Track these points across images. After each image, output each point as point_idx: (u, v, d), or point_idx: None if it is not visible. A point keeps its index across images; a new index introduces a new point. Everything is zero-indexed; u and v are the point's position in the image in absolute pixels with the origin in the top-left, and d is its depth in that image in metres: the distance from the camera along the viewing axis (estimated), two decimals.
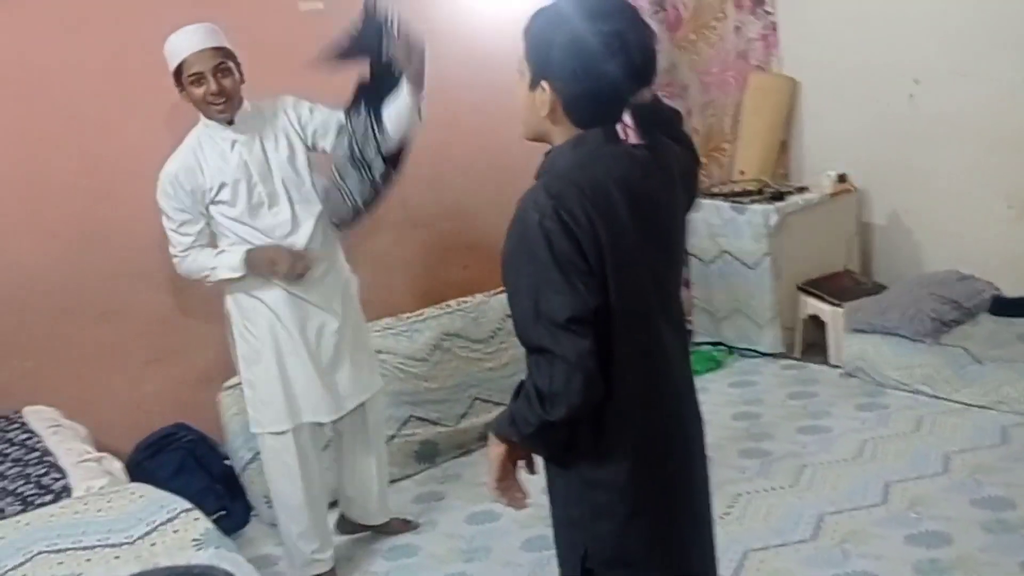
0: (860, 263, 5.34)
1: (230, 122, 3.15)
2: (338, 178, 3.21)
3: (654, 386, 1.91)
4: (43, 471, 3.15)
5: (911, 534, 3.31)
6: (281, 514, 3.41)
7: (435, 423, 4.26)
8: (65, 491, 3.04)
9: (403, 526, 3.75)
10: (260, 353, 3.27)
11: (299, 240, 3.20)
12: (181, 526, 2.72)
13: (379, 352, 3.91)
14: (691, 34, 5.48)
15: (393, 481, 3.85)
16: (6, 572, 2.49)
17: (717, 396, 4.70)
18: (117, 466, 3.30)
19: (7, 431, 3.46)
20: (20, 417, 3.56)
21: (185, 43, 3.06)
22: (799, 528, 3.44)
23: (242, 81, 3.16)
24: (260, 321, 3.25)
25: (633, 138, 2.07)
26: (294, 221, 3.21)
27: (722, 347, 5.28)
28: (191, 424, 4.03)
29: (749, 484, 3.80)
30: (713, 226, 5.16)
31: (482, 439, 3.92)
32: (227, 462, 3.99)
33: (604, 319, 1.76)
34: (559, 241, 1.71)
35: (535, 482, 1.99)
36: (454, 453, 4.31)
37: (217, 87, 3.06)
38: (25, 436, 3.42)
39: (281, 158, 3.21)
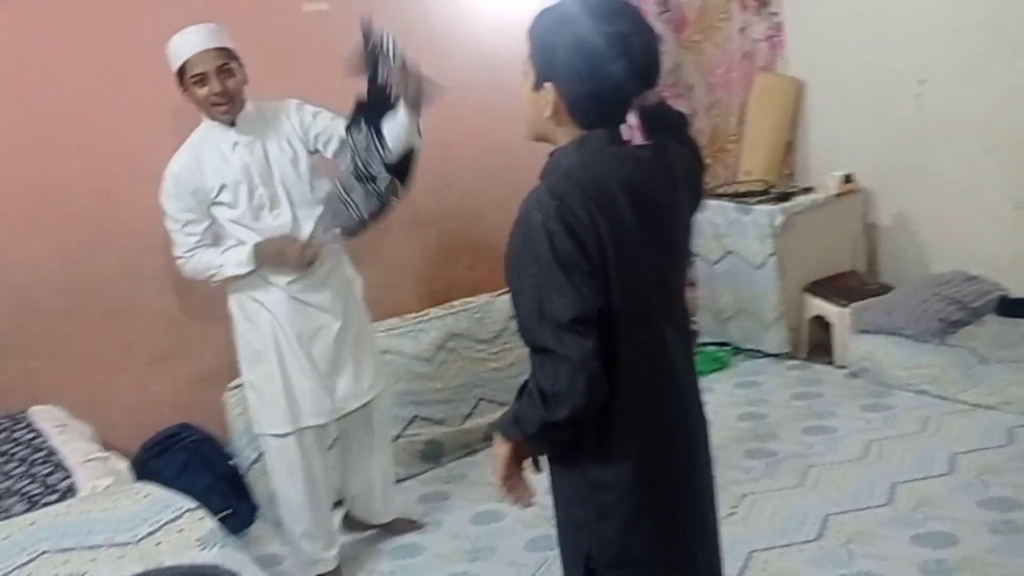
0: (866, 264, 5.33)
1: (232, 123, 3.15)
2: (343, 193, 3.20)
3: (658, 386, 1.91)
4: (49, 470, 3.16)
5: (917, 534, 3.30)
6: (285, 514, 3.42)
7: (440, 423, 4.26)
8: (71, 490, 3.04)
9: (408, 526, 3.76)
10: (262, 355, 3.27)
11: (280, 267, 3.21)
12: (186, 525, 2.71)
13: (384, 352, 3.91)
14: (696, 35, 5.48)
15: (398, 481, 3.85)
16: (11, 571, 2.50)
17: (722, 396, 4.69)
18: (123, 465, 3.30)
19: (13, 430, 3.46)
20: (26, 417, 3.56)
21: (188, 43, 3.06)
22: (804, 528, 3.44)
23: (245, 82, 3.16)
24: (262, 323, 3.26)
25: (638, 139, 2.07)
26: (295, 224, 3.22)
27: (727, 347, 5.27)
28: (196, 424, 4.04)
29: (754, 484, 3.80)
30: (718, 226, 5.16)
31: (487, 439, 3.92)
32: (232, 462, 4.00)
33: (607, 320, 1.76)
34: (562, 242, 1.71)
35: (540, 482, 1.99)
36: (459, 453, 4.31)
37: (220, 88, 3.07)
38: (31, 435, 3.42)
39: (283, 161, 3.21)
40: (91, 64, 3.79)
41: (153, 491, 2.89)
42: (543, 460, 1.99)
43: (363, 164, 3.13)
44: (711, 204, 5.06)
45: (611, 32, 1.75)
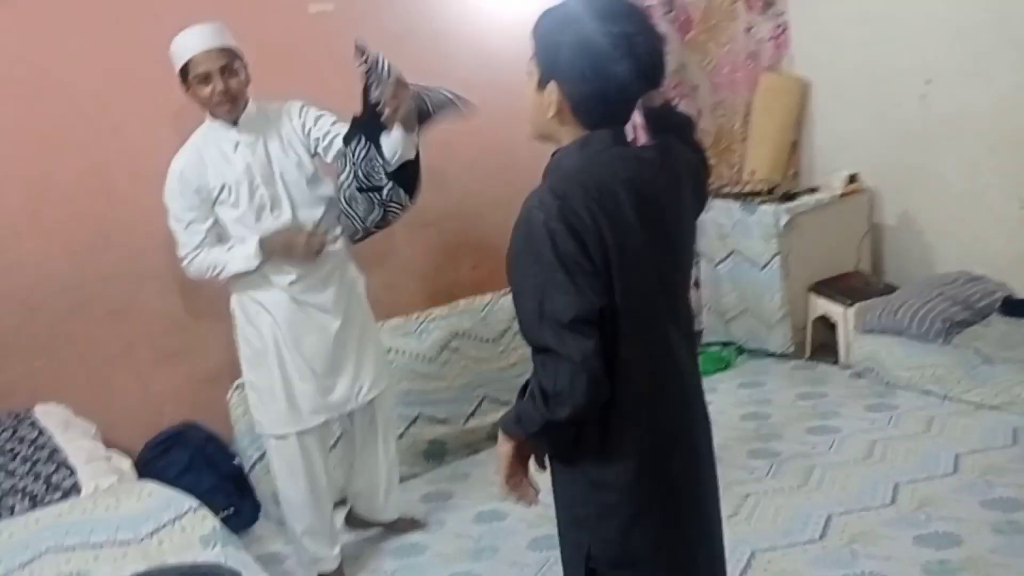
0: (871, 263, 5.33)
1: (235, 123, 3.16)
2: (345, 204, 3.19)
3: (660, 386, 1.90)
4: (52, 469, 3.16)
5: (920, 535, 3.30)
6: (287, 513, 3.43)
7: (443, 422, 4.27)
8: (74, 489, 3.04)
9: (410, 525, 3.76)
10: (262, 356, 3.28)
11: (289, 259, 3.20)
12: (189, 524, 2.71)
13: (388, 351, 3.91)
14: (701, 35, 5.47)
15: (401, 480, 3.85)
16: (14, 570, 2.50)
17: (726, 396, 4.69)
18: (126, 464, 3.31)
19: (17, 429, 3.46)
20: (31, 415, 3.57)
21: (192, 42, 3.06)
22: (807, 528, 3.44)
23: (248, 82, 3.16)
24: (262, 325, 3.26)
25: (643, 140, 2.07)
26: (296, 225, 3.22)
27: (731, 347, 5.27)
28: (200, 423, 4.04)
29: (757, 484, 3.80)
30: (723, 226, 5.16)
31: (490, 438, 3.92)
32: (236, 460, 4.01)
33: (609, 320, 1.76)
34: (564, 241, 1.71)
35: (543, 481, 1.99)
36: (462, 452, 4.31)
37: (223, 87, 3.07)
38: (35, 434, 3.42)
39: (284, 162, 3.21)
40: (93, 64, 3.79)
41: (156, 490, 2.90)
42: (546, 458, 1.99)
43: (364, 175, 3.12)
44: (716, 204, 5.07)
45: (615, 32, 1.75)
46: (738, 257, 5.14)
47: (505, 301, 4.39)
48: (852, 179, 5.18)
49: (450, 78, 4.59)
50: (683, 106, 5.25)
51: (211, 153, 3.14)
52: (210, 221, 3.18)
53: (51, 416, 3.54)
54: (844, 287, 5.03)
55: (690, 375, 2.00)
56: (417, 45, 4.57)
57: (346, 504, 3.81)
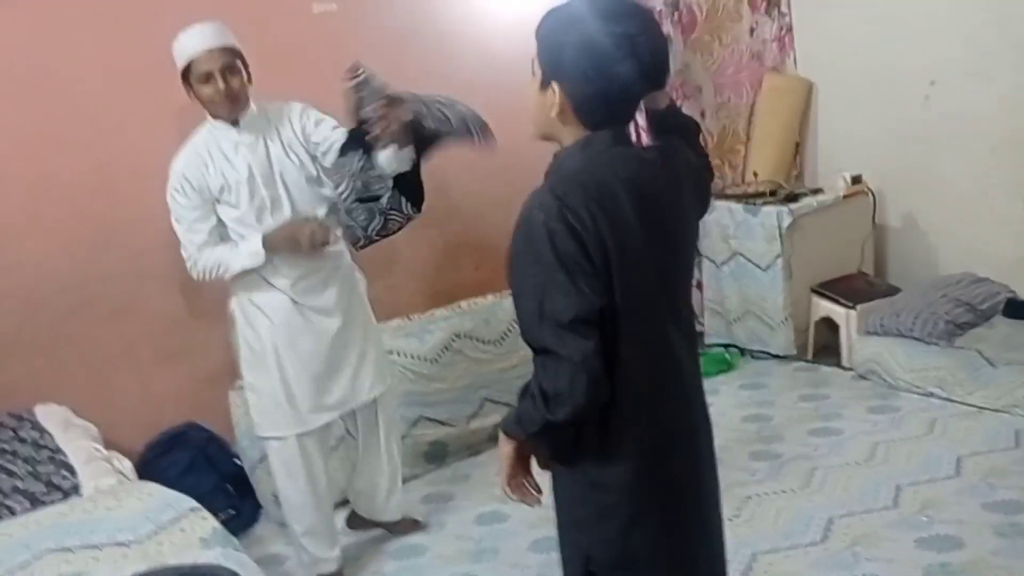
0: (874, 265, 5.32)
1: (236, 123, 3.15)
2: (346, 215, 3.18)
3: (660, 387, 1.90)
4: (53, 469, 3.17)
5: (922, 537, 3.28)
6: (288, 514, 3.43)
7: (445, 423, 4.26)
8: (74, 490, 3.05)
9: (412, 526, 3.76)
10: (261, 359, 3.27)
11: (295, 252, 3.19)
12: (188, 525, 2.72)
13: (389, 353, 3.90)
14: (705, 35, 5.47)
15: (403, 481, 3.85)
16: (14, 570, 2.50)
17: (728, 398, 4.68)
18: (127, 465, 3.31)
19: (18, 429, 3.47)
20: (32, 415, 3.57)
21: (193, 42, 3.06)
22: (809, 531, 3.42)
23: (250, 82, 3.16)
24: (261, 328, 3.26)
25: (646, 140, 2.07)
26: (298, 218, 3.20)
27: (734, 349, 5.27)
28: (202, 423, 4.04)
29: (759, 486, 3.79)
30: (726, 227, 5.15)
31: (492, 440, 3.91)
32: (237, 461, 4.01)
33: (610, 320, 1.76)
34: (564, 242, 1.71)
35: (544, 482, 1.99)
36: (463, 454, 4.31)
37: (225, 86, 3.06)
38: (36, 434, 3.43)
39: (285, 163, 3.20)
40: (95, 63, 3.80)
41: (156, 491, 2.90)
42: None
43: (362, 185, 3.10)
44: (719, 205, 5.06)
45: (618, 33, 1.75)
46: (741, 258, 5.13)
47: (507, 302, 4.38)
48: (855, 180, 5.17)
49: (453, 79, 4.61)
50: (686, 107, 5.24)
51: (212, 153, 3.14)
52: (213, 220, 3.17)
53: (52, 416, 3.54)
54: (847, 289, 5.02)
55: (691, 376, 2.00)
56: (421, 46, 4.59)
57: (347, 505, 3.81)
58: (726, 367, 5.09)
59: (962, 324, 4.50)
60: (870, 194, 5.24)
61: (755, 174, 5.40)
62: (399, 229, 3.28)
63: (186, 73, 3.09)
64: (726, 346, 5.29)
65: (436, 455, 4.25)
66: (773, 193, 5.12)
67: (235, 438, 4.01)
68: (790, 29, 5.49)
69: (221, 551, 2.61)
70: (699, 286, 5.31)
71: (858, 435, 4.14)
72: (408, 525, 3.75)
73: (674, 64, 5.03)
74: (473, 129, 3.14)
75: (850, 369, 4.84)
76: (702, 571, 2.05)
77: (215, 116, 3.15)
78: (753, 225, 5.04)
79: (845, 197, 5.16)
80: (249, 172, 3.14)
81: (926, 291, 4.71)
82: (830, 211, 5.12)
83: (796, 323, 5.04)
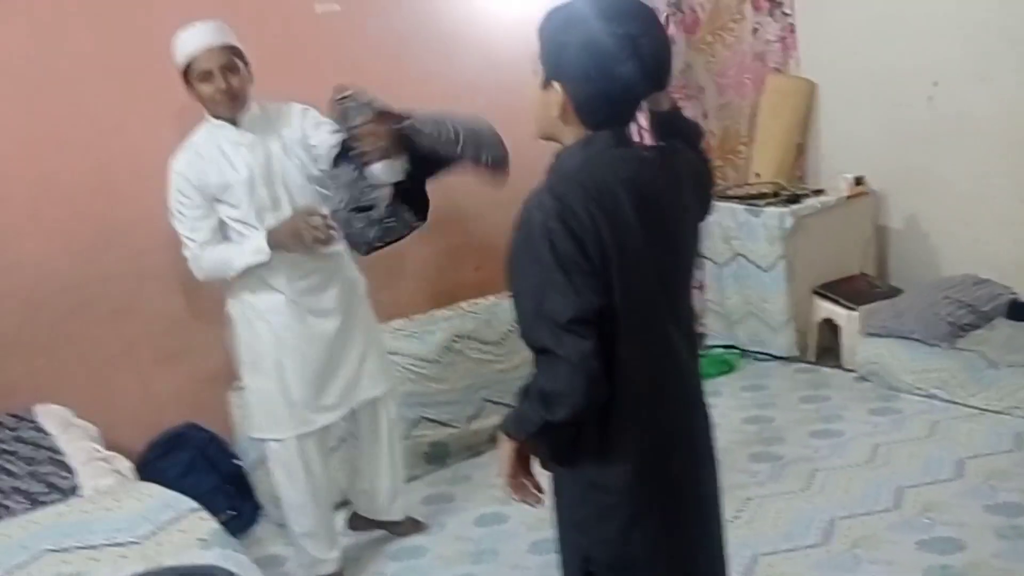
0: (876, 266, 5.31)
1: (236, 122, 3.14)
2: (344, 225, 3.15)
3: (660, 388, 1.90)
4: (52, 470, 3.16)
5: (923, 540, 3.28)
6: (287, 515, 3.42)
7: (445, 424, 4.25)
8: (73, 490, 3.04)
9: (413, 527, 3.75)
10: (260, 361, 3.27)
11: (298, 248, 3.16)
12: (187, 526, 2.70)
13: (390, 353, 3.90)
14: (708, 36, 5.46)
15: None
16: (12, 570, 2.49)
17: (729, 399, 4.67)
18: (126, 465, 3.30)
19: (18, 429, 3.46)
20: (31, 416, 3.56)
21: (194, 40, 3.05)
22: (810, 533, 3.42)
23: (250, 81, 3.15)
24: (259, 330, 3.25)
25: (648, 141, 2.07)
26: (300, 212, 3.18)
27: (735, 350, 5.26)
28: (202, 423, 4.04)
29: (760, 488, 3.78)
30: (728, 228, 5.14)
31: (492, 441, 3.91)
32: (237, 462, 4.00)
33: (609, 320, 1.75)
34: (562, 242, 1.70)
35: (545, 483, 1.99)
36: (464, 455, 4.30)
37: (225, 85, 3.05)
38: (36, 435, 3.42)
39: (286, 163, 3.19)
40: (95, 63, 3.79)
41: (155, 491, 2.89)
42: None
43: (357, 195, 3.07)
44: (720, 206, 5.03)
45: (620, 33, 1.74)
46: (742, 259, 5.12)
47: (508, 303, 4.36)
48: (858, 181, 5.16)
49: (456, 79, 4.62)
50: (689, 107, 5.24)
51: (211, 152, 3.13)
52: (214, 219, 3.16)
53: (51, 417, 3.53)
54: (849, 290, 5.01)
55: (691, 376, 2.00)
56: (423, 46, 4.58)
57: (348, 506, 3.80)
58: (727, 368, 5.08)
59: (964, 326, 4.49)
60: (872, 195, 5.23)
61: (757, 175, 5.40)
62: (400, 238, 3.21)
63: (186, 72, 3.08)
64: (727, 347, 5.28)
65: (437, 456, 4.24)
66: (775, 194, 5.12)
67: (235, 439, 4.01)
68: (793, 30, 5.47)
69: (220, 552, 2.59)
70: (700, 287, 5.30)
71: (859, 437, 4.13)
72: (410, 526, 3.74)
73: (676, 64, 5.02)
74: (485, 157, 3.04)
75: (851, 371, 4.83)
76: (702, 572, 2.04)
77: (215, 115, 3.14)
78: (755, 226, 5.03)
79: (847, 198, 5.15)
80: (249, 172, 3.13)
81: (928, 292, 4.70)
82: (832, 212, 5.11)
83: (798, 324, 5.04)
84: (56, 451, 3.27)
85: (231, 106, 3.10)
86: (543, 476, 1.98)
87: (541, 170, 1.87)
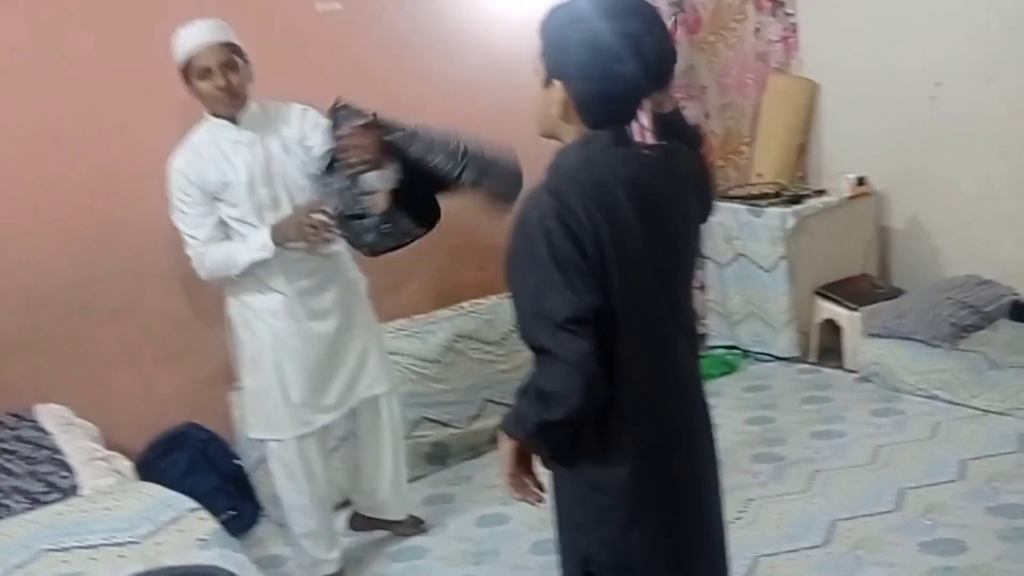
0: (878, 267, 5.30)
1: (235, 121, 3.13)
2: (340, 230, 3.14)
3: (660, 388, 1.89)
4: (52, 469, 3.15)
5: (925, 541, 3.27)
6: (287, 516, 3.41)
7: (446, 425, 4.25)
8: (73, 489, 3.03)
9: (415, 526, 3.74)
10: (260, 362, 3.26)
11: (299, 244, 3.14)
12: (187, 526, 2.70)
13: (391, 353, 3.89)
14: (710, 35, 5.45)
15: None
16: (11, 570, 2.49)
17: (731, 400, 4.66)
18: (126, 465, 3.29)
19: (18, 429, 3.46)
20: (31, 415, 3.56)
21: (193, 37, 3.04)
22: (811, 534, 3.41)
23: (250, 79, 3.13)
24: (258, 331, 3.24)
25: (649, 140, 2.06)
26: (303, 208, 3.16)
27: (736, 350, 5.25)
28: (202, 423, 4.03)
29: (761, 489, 3.77)
30: (729, 229, 5.14)
31: (493, 441, 3.89)
32: (237, 462, 4.00)
33: (607, 320, 1.74)
34: (560, 241, 1.70)
35: (547, 482, 1.98)
36: (465, 455, 4.29)
37: (224, 82, 3.04)
38: (36, 434, 3.42)
39: (285, 163, 3.18)
40: (96, 63, 3.78)
41: (155, 491, 2.89)
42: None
43: (350, 202, 3.05)
44: (722, 206, 5.02)
45: (622, 32, 1.74)
46: (744, 260, 5.12)
47: (510, 303, 4.35)
48: (860, 182, 5.15)
49: (457, 78, 4.61)
50: (691, 107, 5.24)
51: (211, 151, 3.12)
52: (216, 216, 3.14)
53: (52, 416, 3.53)
54: (851, 291, 5.01)
55: (692, 377, 1.99)
56: (425, 44, 4.58)
57: (349, 506, 3.80)
58: (729, 369, 5.07)
59: (966, 327, 4.48)
60: (874, 196, 5.22)
61: (759, 175, 5.39)
62: (401, 245, 3.18)
63: (186, 69, 3.07)
64: (729, 348, 5.27)
65: (438, 456, 4.23)
66: (777, 194, 5.11)
67: (236, 439, 4.00)
68: (795, 30, 5.46)
69: (220, 552, 2.59)
70: (702, 287, 5.29)
71: (861, 438, 4.12)
72: (412, 525, 3.73)
73: (678, 64, 5.02)
74: (487, 182, 2.96)
75: (853, 371, 4.82)
76: (703, 573, 2.03)
77: (215, 114, 3.13)
78: (757, 226, 5.02)
79: (849, 199, 5.14)
80: (248, 171, 3.12)
81: (930, 293, 4.70)
82: (834, 213, 5.11)
83: (799, 325, 5.03)
84: (56, 451, 3.27)
85: (230, 104, 3.09)
86: (544, 475, 1.98)
87: (543, 170, 1.87)
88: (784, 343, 5.06)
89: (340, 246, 3.29)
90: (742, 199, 5.15)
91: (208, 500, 3.03)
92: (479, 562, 3.51)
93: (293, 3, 4.27)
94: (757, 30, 5.50)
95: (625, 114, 1.86)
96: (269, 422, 3.30)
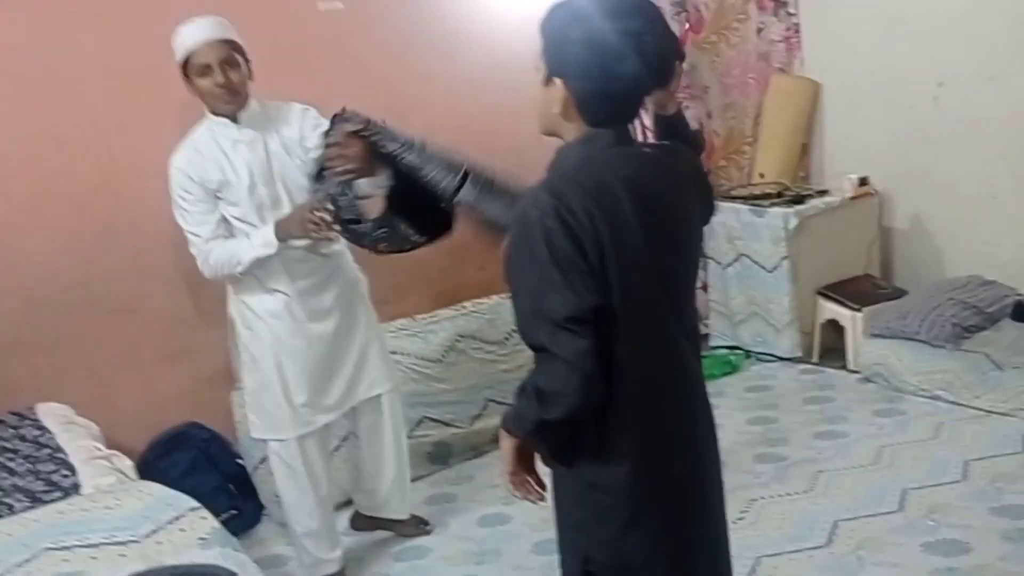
0: (880, 267, 5.29)
1: (235, 119, 3.12)
2: (340, 232, 3.14)
3: (660, 388, 1.88)
4: (53, 468, 3.15)
5: (928, 542, 3.26)
6: (289, 515, 3.41)
7: (448, 424, 4.24)
8: (74, 488, 3.03)
9: (418, 527, 3.73)
10: (260, 362, 3.26)
11: (301, 243, 3.14)
12: (188, 525, 2.69)
13: (393, 353, 3.89)
14: (712, 35, 5.44)
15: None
16: (12, 569, 2.48)
17: (733, 400, 4.65)
18: (127, 464, 3.29)
19: (19, 428, 3.46)
20: (33, 414, 3.56)
21: (192, 34, 3.03)
22: (813, 534, 3.40)
23: (250, 77, 3.13)
24: (259, 331, 3.24)
25: (651, 140, 2.06)
26: (306, 205, 3.16)
27: (739, 351, 5.24)
28: (204, 423, 4.03)
29: (764, 489, 3.76)
30: (732, 229, 5.13)
31: (495, 441, 3.88)
32: (239, 461, 3.99)
33: (607, 320, 1.74)
34: (559, 240, 1.69)
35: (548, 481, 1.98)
36: (467, 455, 4.29)
37: (223, 79, 3.03)
38: (37, 433, 3.42)
39: (285, 162, 3.17)
40: (96, 62, 3.78)
41: (155, 490, 2.88)
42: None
43: (345, 207, 3.02)
44: (724, 206, 5.04)
45: (623, 30, 1.73)
46: (746, 260, 5.11)
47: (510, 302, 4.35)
48: (862, 182, 5.14)
49: (459, 77, 4.61)
50: (693, 107, 5.24)
51: (211, 150, 3.11)
52: (218, 214, 3.14)
53: (53, 415, 3.53)
54: (853, 291, 5.00)
55: (693, 377, 1.98)
56: (426, 43, 4.57)
57: (351, 506, 3.79)
58: (731, 369, 5.06)
59: (969, 327, 4.47)
60: (877, 196, 5.22)
61: (761, 175, 5.38)
62: (402, 250, 3.11)
63: (185, 66, 3.06)
64: (731, 348, 5.26)
65: (440, 456, 4.23)
66: (779, 195, 5.11)
67: (237, 438, 4.00)
68: (798, 30, 5.45)
69: (220, 551, 2.58)
70: (704, 287, 5.29)
71: (864, 438, 4.11)
72: (415, 525, 3.73)
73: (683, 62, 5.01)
74: (491, 211, 2.73)
75: (856, 372, 4.82)
76: (704, 574, 2.02)
77: (214, 112, 3.12)
78: (759, 226, 5.02)
79: (852, 199, 5.13)
80: (248, 169, 3.11)
81: (933, 294, 4.69)
82: (836, 213, 5.10)
83: (801, 325, 5.02)
84: (57, 449, 3.27)
85: (230, 101, 3.08)
86: (546, 474, 1.97)
87: (544, 168, 1.86)
88: (786, 343, 5.05)
89: (341, 245, 3.29)
90: (744, 199, 5.15)
91: (209, 499, 3.02)
92: (481, 562, 3.51)
93: (295, 2, 4.27)
94: (759, 30, 5.50)
95: (626, 113, 1.85)
96: (270, 422, 3.30)
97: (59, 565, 2.49)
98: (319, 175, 3.07)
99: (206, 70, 3.03)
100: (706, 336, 5.26)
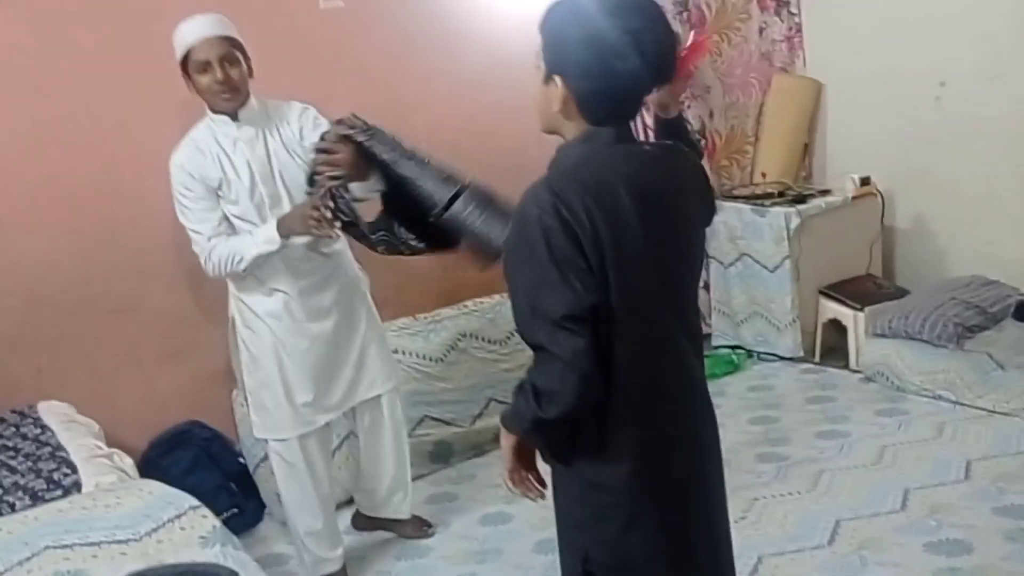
0: (882, 267, 5.29)
1: (235, 117, 3.12)
2: (341, 233, 3.13)
3: (661, 388, 1.88)
4: (54, 466, 3.15)
5: (930, 542, 3.25)
6: (290, 515, 3.41)
7: (450, 423, 4.24)
8: (75, 486, 3.03)
9: (420, 527, 3.72)
10: (261, 362, 3.25)
11: (302, 240, 3.13)
12: (188, 523, 2.69)
13: (395, 352, 3.88)
14: (714, 35, 5.43)
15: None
16: (13, 567, 2.48)
17: (734, 400, 4.65)
18: (128, 462, 3.29)
19: (20, 426, 3.46)
20: (34, 412, 3.56)
21: (192, 31, 3.02)
22: (815, 534, 3.39)
23: (250, 75, 3.12)
24: (260, 331, 3.23)
25: (651, 138, 2.06)
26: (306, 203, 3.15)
27: (740, 350, 5.23)
28: (205, 421, 4.03)
29: (765, 489, 3.75)
30: (733, 228, 5.13)
31: (496, 440, 3.88)
32: (240, 460, 3.99)
33: (606, 319, 1.73)
34: (558, 238, 1.69)
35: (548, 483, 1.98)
36: (468, 454, 4.28)
37: (223, 76, 3.02)
38: (38, 431, 3.42)
39: (285, 160, 3.16)
40: (97, 61, 3.78)
41: (156, 488, 2.88)
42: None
43: (343, 208, 3.02)
44: (726, 206, 5.04)
45: (623, 28, 1.73)
46: (748, 259, 5.11)
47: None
48: (864, 182, 5.14)
49: (460, 75, 4.61)
50: (695, 107, 5.25)
51: (210, 146, 3.10)
52: (219, 211, 3.13)
53: (54, 413, 3.53)
54: (855, 290, 5.00)
55: (695, 377, 1.98)
56: (427, 42, 4.57)
57: (352, 505, 3.79)
58: (732, 369, 5.05)
59: (971, 327, 4.46)
60: (879, 196, 5.21)
61: (763, 175, 5.38)
62: (402, 253, 3.14)
63: (185, 63, 3.05)
64: (733, 347, 5.26)
65: (441, 455, 4.22)
66: (781, 194, 5.10)
67: (238, 437, 4.00)
68: (799, 29, 5.46)
69: (221, 550, 2.59)
70: (706, 287, 5.29)
71: (866, 438, 4.10)
72: (416, 526, 3.72)
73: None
74: (483, 232, 2.83)
75: (858, 371, 4.81)
76: (704, 574, 2.01)
77: (214, 109, 3.11)
78: (761, 226, 5.01)
79: (854, 198, 5.12)
80: (248, 169, 3.10)
81: (935, 293, 4.68)
82: (838, 212, 5.09)
83: (803, 325, 5.02)
84: (58, 448, 3.27)
85: (230, 98, 3.07)
86: (547, 472, 1.97)
87: (545, 167, 1.86)
88: (788, 343, 5.05)
89: (342, 244, 3.29)
90: (746, 199, 5.14)
91: (210, 498, 3.03)
92: (482, 561, 3.50)
93: (296, 1, 4.27)
94: (761, 30, 5.49)
95: (626, 111, 1.85)
96: (271, 421, 3.29)
97: (60, 563, 2.49)
98: (311, 180, 3.08)
99: (206, 67, 3.02)
100: (708, 336, 5.26)
